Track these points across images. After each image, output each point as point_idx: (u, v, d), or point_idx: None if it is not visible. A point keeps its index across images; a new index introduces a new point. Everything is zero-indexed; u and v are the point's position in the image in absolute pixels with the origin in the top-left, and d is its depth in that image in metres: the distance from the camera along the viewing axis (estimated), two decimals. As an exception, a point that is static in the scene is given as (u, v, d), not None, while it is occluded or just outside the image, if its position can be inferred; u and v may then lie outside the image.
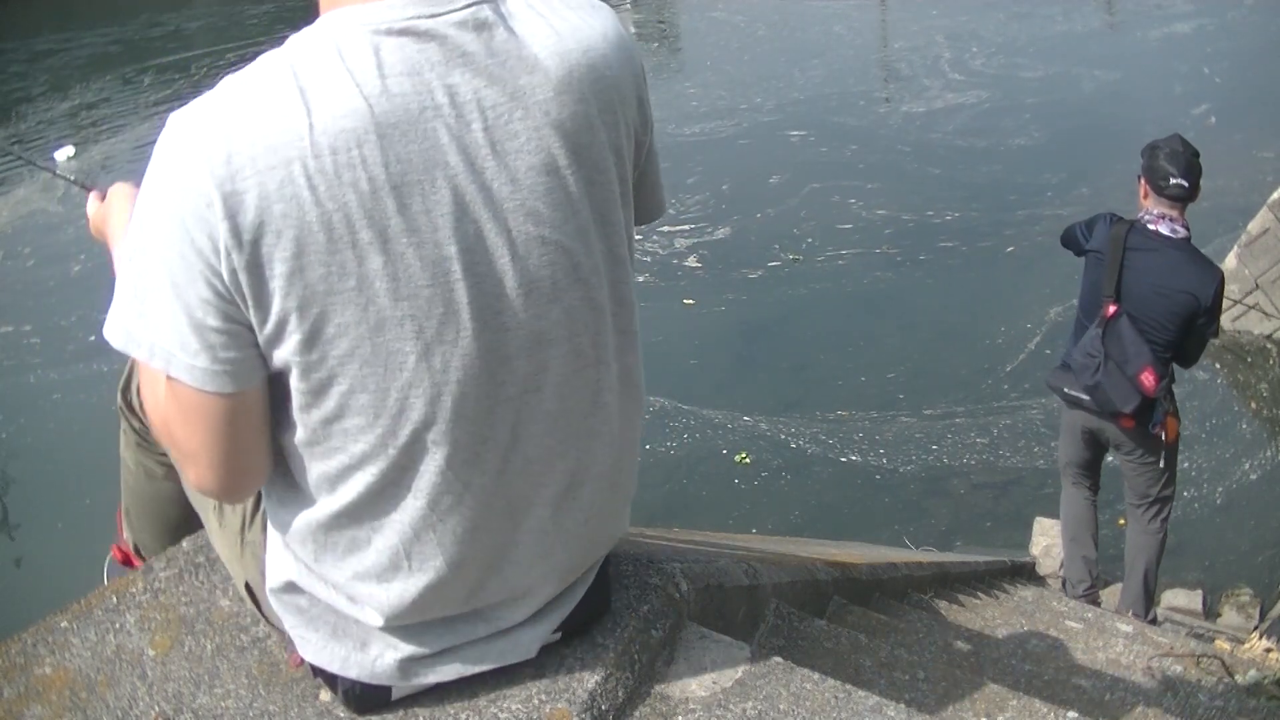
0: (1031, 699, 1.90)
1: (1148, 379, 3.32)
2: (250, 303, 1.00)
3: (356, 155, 0.97)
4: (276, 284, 0.98)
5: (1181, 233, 3.37)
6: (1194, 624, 4.05)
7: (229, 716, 1.31)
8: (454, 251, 1.01)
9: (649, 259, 7.65)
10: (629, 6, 15.84)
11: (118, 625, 1.49)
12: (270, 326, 1.01)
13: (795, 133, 9.98)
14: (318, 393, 1.04)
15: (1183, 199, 3.35)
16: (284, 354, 1.03)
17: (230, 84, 1.00)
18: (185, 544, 1.65)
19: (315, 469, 1.11)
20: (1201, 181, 3.37)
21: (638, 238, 8.40)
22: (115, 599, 1.54)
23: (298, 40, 1.02)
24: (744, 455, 5.52)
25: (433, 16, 1.01)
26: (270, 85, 0.98)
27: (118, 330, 1.04)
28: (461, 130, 1.01)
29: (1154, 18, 12.85)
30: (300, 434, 1.09)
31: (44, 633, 1.49)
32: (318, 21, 1.03)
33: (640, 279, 7.26)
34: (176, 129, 1.00)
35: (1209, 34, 12.08)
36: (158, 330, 1.01)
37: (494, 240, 1.04)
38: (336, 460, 1.09)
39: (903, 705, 1.42)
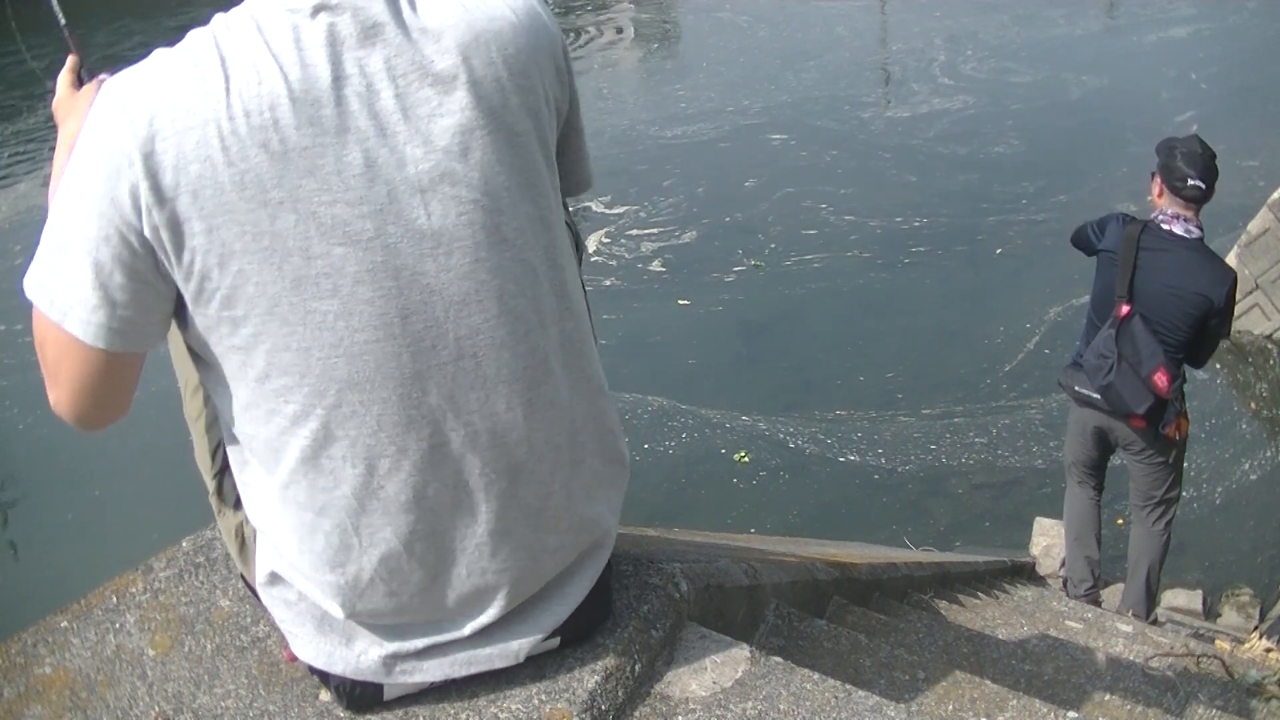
0: (1031, 699, 1.90)
1: (1161, 380, 3.32)
2: (173, 259, 1.05)
3: (269, 118, 1.02)
4: (197, 241, 1.04)
5: (1195, 233, 3.37)
6: (1194, 624, 4.05)
7: (229, 716, 1.31)
8: (366, 211, 1.06)
9: (614, 262, 7.63)
10: (630, 5, 15.83)
11: (118, 625, 1.49)
12: (194, 283, 1.06)
13: (777, 136, 9.95)
14: (248, 349, 1.08)
15: (1198, 200, 3.35)
16: (211, 310, 1.07)
17: (159, 55, 1.07)
18: (185, 544, 1.65)
19: (259, 435, 1.14)
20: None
21: (605, 240, 8.38)
22: (115, 599, 1.54)
23: (222, 18, 1.08)
24: (743, 455, 5.51)
25: None
26: (194, 55, 1.05)
27: (31, 279, 1.09)
28: (372, 99, 1.06)
29: (1155, 21, 12.82)
30: (241, 396, 1.13)
31: (44, 633, 1.49)
32: (241, 4, 1.09)
33: (606, 282, 7.27)
34: (107, 94, 1.05)
35: (1204, 38, 12.05)
36: (63, 284, 1.07)
37: (408, 201, 1.07)
38: (274, 424, 1.12)
39: (903, 705, 1.42)
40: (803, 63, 12.14)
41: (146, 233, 1.03)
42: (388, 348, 1.08)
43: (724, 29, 14.13)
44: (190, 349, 1.19)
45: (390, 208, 1.06)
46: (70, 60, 1.41)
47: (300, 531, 1.16)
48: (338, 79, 1.04)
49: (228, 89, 1.02)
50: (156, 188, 1.02)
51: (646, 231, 8.05)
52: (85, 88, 1.35)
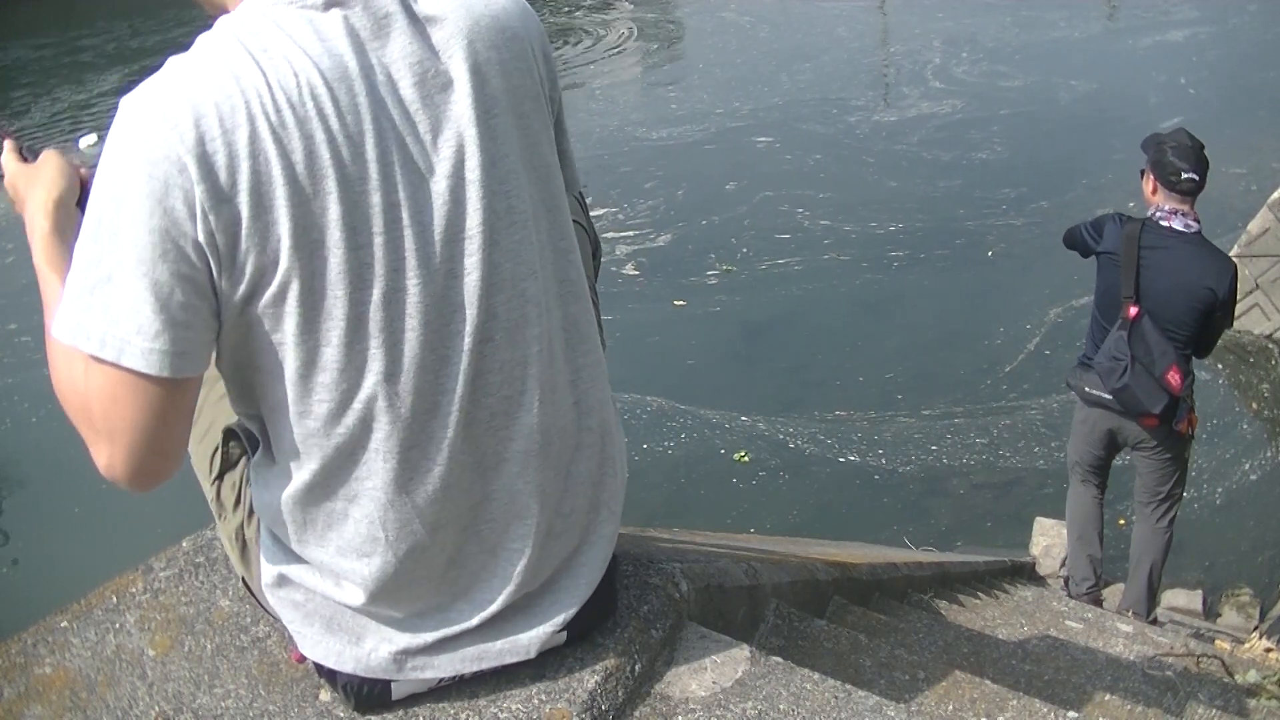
0: (1031, 699, 1.90)
1: (1174, 378, 3.33)
2: (225, 263, 1.02)
3: (312, 109, 1.02)
4: (252, 240, 1.02)
5: (1194, 227, 3.38)
6: (1194, 624, 4.05)
7: (229, 716, 1.32)
8: (401, 199, 1.06)
9: (592, 263, 7.58)
10: (632, 6, 15.81)
11: (118, 625, 1.49)
12: (246, 284, 1.03)
13: (763, 139, 9.90)
14: (289, 345, 1.07)
15: (1193, 192, 3.37)
16: (257, 309, 1.05)
17: (179, 61, 1.04)
18: (185, 544, 1.65)
19: (287, 437, 1.13)
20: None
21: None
22: (115, 599, 1.54)
23: (230, 19, 1.06)
24: (743, 454, 5.51)
25: None
26: (220, 54, 1.03)
27: (67, 324, 1.01)
28: (394, 88, 1.07)
29: (1155, 24, 12.75)
30: (272, 395, 1.11)
31: (44, 633, 1.49)
32: (239, 7, 1.07)
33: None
34: (132, 109, 1.01)
35: (1201, 41, 11.98)
36: (113, 318, 1.00)
37: (437, 188, 1.09)
38: (306, 425, 1.11)
39: (903, 705, 1.42)
40: (798, 64, 12.11)
41: (202, 239, 0.99)
42: (421, 336, 1.09)
43: (726, 29, 14.10)
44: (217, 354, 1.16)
45: (420, 195, 1.08)
46: (7, 143, 1.36)
47: (328, 520, 1.16)
48: (363, 68, 1.05)
49: (268, 83, 1.01)
50: (214, 190, 0.99)
51: (622, 234, 8.04)
52: (42, 156, 1.30)
